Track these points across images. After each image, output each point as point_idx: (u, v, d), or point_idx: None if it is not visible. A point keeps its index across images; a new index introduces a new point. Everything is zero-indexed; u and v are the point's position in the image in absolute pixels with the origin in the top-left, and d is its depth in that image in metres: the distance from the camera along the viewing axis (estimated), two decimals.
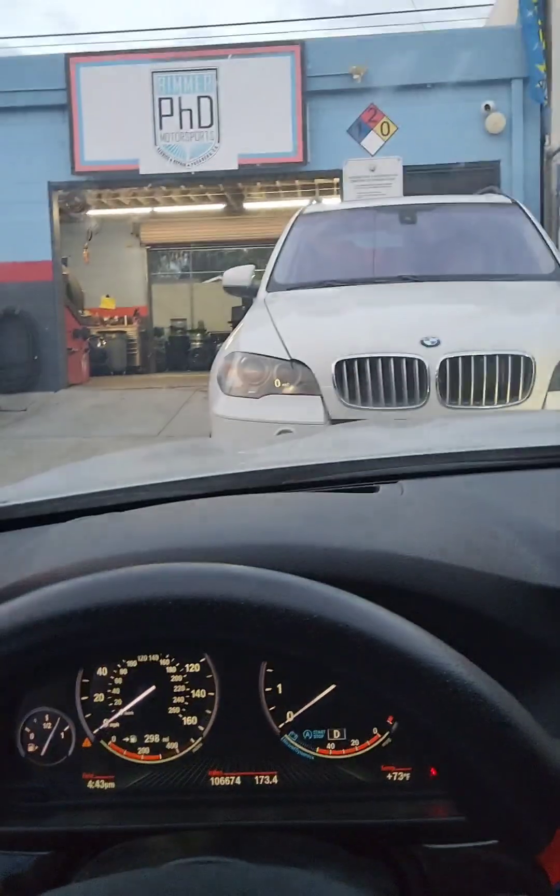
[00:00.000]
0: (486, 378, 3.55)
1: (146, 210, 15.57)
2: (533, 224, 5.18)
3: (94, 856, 0.71)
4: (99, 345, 15.38)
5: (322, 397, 3.67)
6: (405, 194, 9.63)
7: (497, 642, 0.71)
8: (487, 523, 0.83)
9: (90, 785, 0.78)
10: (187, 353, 17.03)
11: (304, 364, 3.74)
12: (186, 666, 0.79)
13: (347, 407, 3.61)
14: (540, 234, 5.10)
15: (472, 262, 4.90)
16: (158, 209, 15.53)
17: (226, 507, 0.91)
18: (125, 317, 16.53)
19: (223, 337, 5.18)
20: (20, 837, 0.73)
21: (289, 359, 3.77)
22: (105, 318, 16.21)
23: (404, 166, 10.40)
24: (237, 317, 5.61)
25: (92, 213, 14.75)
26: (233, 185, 13.50)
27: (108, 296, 16.02)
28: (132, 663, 0.79)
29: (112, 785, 0.78)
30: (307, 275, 4.90)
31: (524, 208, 5.36)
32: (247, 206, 15.36)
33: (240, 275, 5.08)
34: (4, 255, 11.35)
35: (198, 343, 17.18)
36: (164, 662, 0.79)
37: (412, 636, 0.49)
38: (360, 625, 0.48)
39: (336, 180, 11.03)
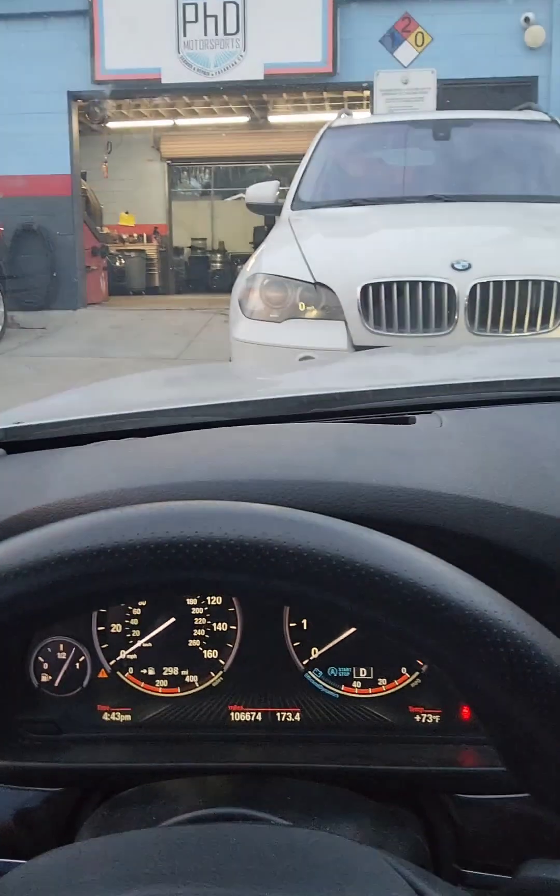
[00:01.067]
0: (518, 304, 3.43)
1: (168, 122, 15.10)
2: None
3: (108, 796, 0.69)
4: (117, 263, 15.15)
5: (346, 322, 3.57)
6: (438, 109, 9.23)
7: (546, 587, 0.66)
8: (536, 458, 0.77)
9: (106, 717, 0.76)
10: (207, 274, 16.75)
11: (328, 287, 3.62)
12: (208, 598, 0.75)
13: (372, 333, 3.51)
14: None
15: (506, 181, 4.70)
16: (180, 121, 15.05)
17: (251, 438, 0.85)
18: (144, 235, 16.22)
19: (244, 258, 5.05)
20: (32, 773, 0.71)
21: (313, 281, 3.66)
22: (124, 236, 15.92)
23: (438, 80, 9.94)
24: (259, 238, 5.44)
25: (112, 125, 14.33)
26: (258, 96, 13.02)
27: (127, 212, 15.69)
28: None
29: (128, 718, 0.76)
30: (334, 192, 4.72)
31: None
32: (272, 119, 14.83)
33: (263, 191, 4.90)
34: (22, 167, 11.06)
35: (218, 264, 16.88)
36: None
37: (466, 588, 0.44)
38: (410, 576, 0.42)
39: (366, 93, 10.59)
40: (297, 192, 4.78)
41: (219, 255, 17.10)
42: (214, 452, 0.81)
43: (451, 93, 9.75)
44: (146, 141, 16.07)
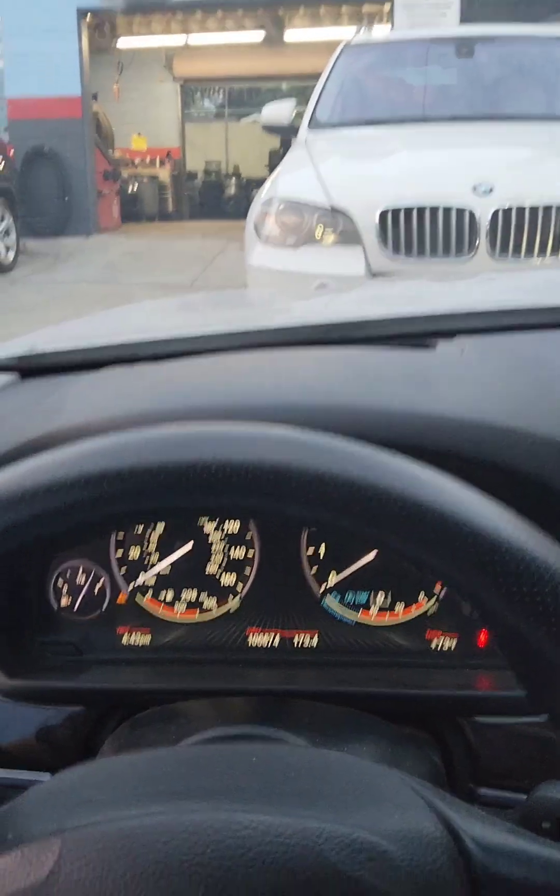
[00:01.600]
0: (541, 230, 3.34)
1: (180, 40, 14.55)
2: None
3: (128, 716, 0.70)
4: (130, 189, 14.84)
5: (364, 248, 3.50)
6: (463, 23, 8.84)
7: None
8: (557, 386, 0.75)
9: (125, 640, 0.77)
10: (221, 199, 16.40)
11: (346, 212, 3.53)
12: (225, 525, 0.76)
13: (391, 259, 3.44)
14: None
15: (533, 101, 4.52)
16: (193, 39, 14.50)
17: (267, 363, 0.84)
18: (157, 158, 15.84)
19: (259, 183, 4.91)
20: (53, 692, 0.72)
21: (330, 206, 3.57)
22: (136, 160, 15.55)
23: None
24: (275, 162, 5.29)
25: (122, 44, 13.85)
26: (273, 10, 12.52)
27: (139, 135, 15.29)
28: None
29: (147, 641, 0.77)
30: (352, 112, 4.56)
31: None
32: (288, 35, 14.28)
33: (280, 111, 4.75)
34: (32, 89, 10.78)
35: (233, 189, 16.51)
36: (202, 520, 0.76)
37: (487, 511, 0.43)
38: (436, 502, 0.41)
39: (386, 7, 10.14)
40: (314, 112, 4.62)
41: (233, 180, 16.71)
42: (230, 377, 0.80)
43: (476, 8, 9.32)
44: (158, 60, 15.54)
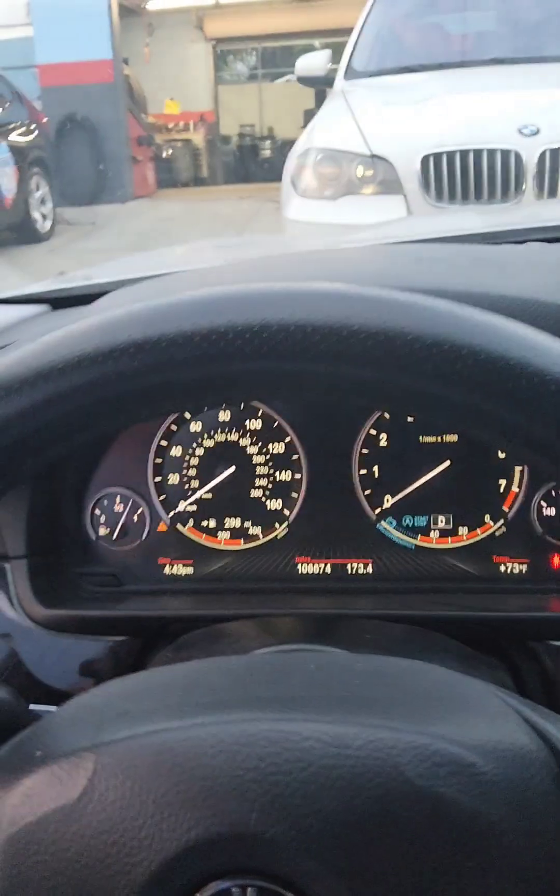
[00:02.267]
0: None
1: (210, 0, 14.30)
2: None
3: (171, 643, 0.67)
4: (164, 154, 14.69)
5: (405, 197, 3.39)
6: None
7: None
8: None
9: (167, 570, 0.74)
10: (256, 162, 16.17)
11: (386, 159, 3.42)
12: (270, 446, 0.71)
13: (434, 206, 3.33)
14: None
15: None
16: None
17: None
18: (191, 123, 15.64)
19: (294, 144, 4.79)
20: (94, 622, 0.69)
21: (369, 154, 3.45)
22: (169, 125, 15.37)
23: None
24: (311, 121, 5.16)
25: (152, 4, 13.63)
26: None
27: (171, 99, 15.09)
28: (209, 443, 0.72)
29: (190, 570, 0.73)
30: (389, 59, 4.41)
31: None
32: None
33: (315, 62, 4.61)
34: (62, 54, 10.65)
35: (268, 152, 16.26)
36: (244, 442, 0.72)
37: None
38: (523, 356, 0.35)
39: None
40: (350, 61, 4.48)
41: (268, 142, 16.46)
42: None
43: None
44: (189, 21, 15.30)
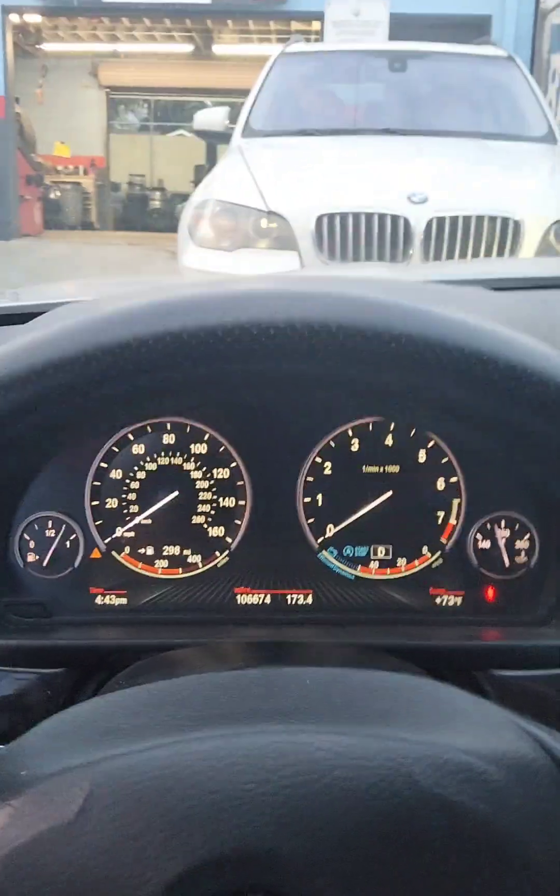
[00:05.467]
0: (473, 240, 3.39)
1: (107, 47, 14.45)
2: (528, 82, 4.85)
3: (110, 676, 0.64)
4: (52, 195, 14.60)
5: (299, 253, 3.47)
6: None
7: None
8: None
9: (99, 601, 0.71)
10: (146, 212, 16.29)
11: (282, 216, 3.51)
12: (214, 471, 0.70)
13: (326, 264, 3.43)
14: (534, 92, 4.79)
15: (462, 117, 4.60)
16: (120, 47, 14.41)
17: None
18: (81, 167, 15.65)
19: (185, 197, 4.86)
20: (22, 652, 0.65)
21: (266, 210, 3.54)
22: (59, 167, 15.32)
23: (390, 14, 9.67)
24: (201, 177, 5.22)
25: (48, 47, 13.66)
26: (202, 23, 12.53)
27: (62, 142, 15.08)
28: (152, 466, 0.70)
29: (124, 601, 0.71)
30: (287, 121, 4.56)
31: (520, 64, 5.01)
32: (216, 49, 14.32)
33: (214, 117, 4.72)
34: None
35: (157, 203, 16.42)
36: (188, 466, 0.70)
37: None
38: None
39: (315, 25, 10.29)
40: (248, 119, 4.60)
41: (158, 193, 16.63)
42: None
43: (403, 29, 9.50)
44: (84, 67, 15.40)
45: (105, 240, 12.40)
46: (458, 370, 0.37)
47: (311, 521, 0.70)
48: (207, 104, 15.71)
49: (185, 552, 0.71)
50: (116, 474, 0.70)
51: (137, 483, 0.70)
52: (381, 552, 0.71)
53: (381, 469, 0.70)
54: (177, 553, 0.71)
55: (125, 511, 0.70)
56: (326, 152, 4.09)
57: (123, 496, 0.70)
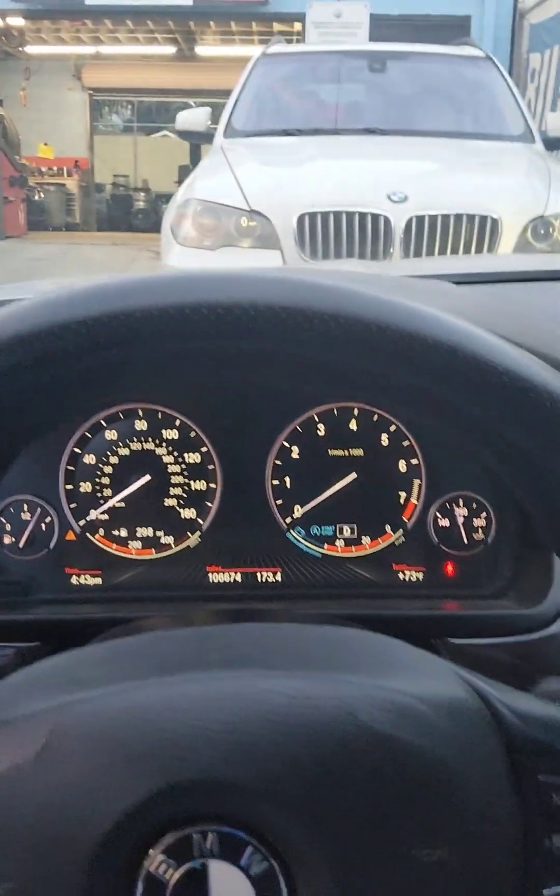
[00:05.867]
0: (452, 238, 3.43)
1: (90, 49, 14.45)
2: (506, 82, 4.91)
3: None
4: (36, 197, 14.59)
5: (282, 252, 3.51)
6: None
7: None
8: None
9: (75, 580, 0.74)
10: (130, 212, 16.28)
11: (264, 216, 3.55)
12: (185, 455, 0.74)
13: (308, 263, 3.47)
14: (512, 92, 4.85)
15: (441, 117, 4.65)
16: (103, 49, 14.42)
17: None
18: (65, 168, 15.64)
19: (169, 198, 4.88)
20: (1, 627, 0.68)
21: (248, 209, 3.58)
22: (43, 169, 15.31)
23: (371, 15, 9.74)
24: (185, 177, 5.28)
25: (31, 49, 13.65)
26: (185, 25, 12.56)
27: (46, 144, 15.06)
28: (124, 451, 0.73)
29: (98, 581, 0.74)
30: (268, 121, 4.60)
31: (498, 64, 5.06)
32: (199, 51, 14.35)
33: (196, 117, 4.75)
34: None
35: (142, 203, 16.41)
36: (160, 451, 0.74)
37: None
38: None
39: (296, 27, 10.33)
40: (229, 119, 4.63)
41: (142, 194, 16.62)
42: None
43: (384, 29, 9.56)
44: (67, 69, 15.38)
45: (89, 240, 12.40)
46: (397, 351, 0.39)
47: (279, 502, 0.74)
48: (191, 105, 15.74)
49: (158, 534, 0.74)
50: (90, 459, 0.73)
51: (111, 468, 0.73)
52: (347, 531, 0.75)
53: (346, 452, 0.75)
54: (150, 535, 0.74)
55: (99, 494, 0.73)
56: (307, 152, 4.13)
57: (97, 480, 0.73)
